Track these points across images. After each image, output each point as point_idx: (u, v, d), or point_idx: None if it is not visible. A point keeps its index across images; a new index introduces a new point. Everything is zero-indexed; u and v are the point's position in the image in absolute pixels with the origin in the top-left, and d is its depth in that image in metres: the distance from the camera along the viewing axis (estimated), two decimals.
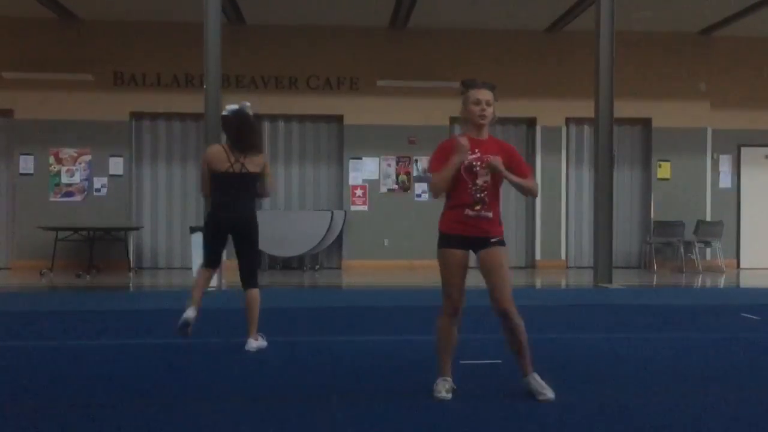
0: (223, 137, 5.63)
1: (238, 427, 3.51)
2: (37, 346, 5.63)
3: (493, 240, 3.92)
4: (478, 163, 3.87)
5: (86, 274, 11.17)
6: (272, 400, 4.01)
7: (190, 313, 5.28)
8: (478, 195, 3.86)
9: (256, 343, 5.34)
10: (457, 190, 3.90)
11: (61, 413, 3.75)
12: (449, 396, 3.92)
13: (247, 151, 5.36)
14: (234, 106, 5.53)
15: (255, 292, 5.44)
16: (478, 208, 3.86)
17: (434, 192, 3.98)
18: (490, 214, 3.89)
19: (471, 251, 3.96)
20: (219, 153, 5.36)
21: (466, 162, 3.86)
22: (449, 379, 4.00)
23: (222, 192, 5.36)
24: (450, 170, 3.84)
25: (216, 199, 5.41)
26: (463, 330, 6.36)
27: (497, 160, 3.85)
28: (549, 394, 3.88)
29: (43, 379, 4.52)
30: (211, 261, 5.55)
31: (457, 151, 3.83)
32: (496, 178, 3.91)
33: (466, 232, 3.89)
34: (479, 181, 3.87)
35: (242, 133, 5.36)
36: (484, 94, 3.92)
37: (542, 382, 3.92)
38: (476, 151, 3.88)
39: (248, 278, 5.45)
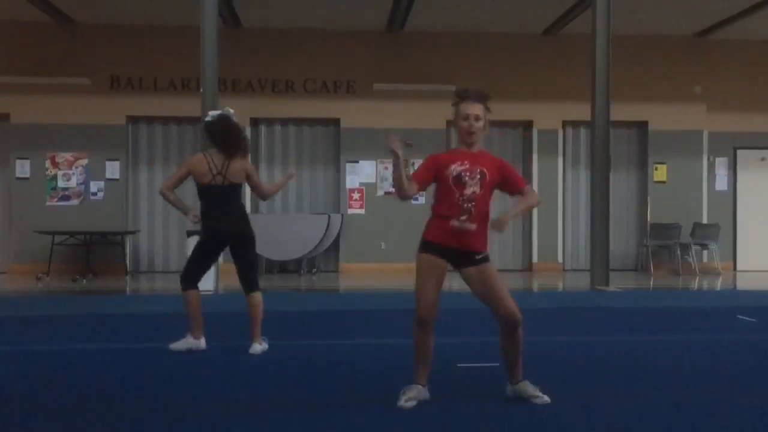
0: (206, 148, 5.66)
1: (236, 431, 3.50)
2: (33, 351, 5.62)
3: (478, 257, 3.87)
4: (467, 174, 3.83)
5: (83, 278, 11.16)
6: (270, 404, 4.00)
7: (202, 344, 5.37)
8: (465, 205, 3.82)
9: (260, 347, 5.35)
10: (444, 200, 3.86)
11: (58, 417, 3.73)
12: (408, 404, 3.81)
13: (233, 155, 5.34)
14: (217, 112, 5.55)
15: (258, 296, 5.45)
16: (464, 218, 3.82)
17: (400, 196, 3.91)
18: (474, 226, 3.82)
19: (451, 266, 3.89)
20: (201, 164, 5.34)
21: (454, 173, 3.83)
22: (420, 387, 3.90)
23: (212, 204, 5.36)
24: (397, 167, 3.76)
25: (208, 211, 5.38)
26: (460, 333, 6.37)
27: (500, 222, 3.77)
28: (545, 397, 3.89)
29: (39, 383, 4.51)
30: (199, 278, 5.50)
31: (388, 148, 3.74)
32: (486, 189, 3.86)
33: (450, 243, 3.84)
34: (467, 192, 3.82)
35: (227, 137, 5.35)
36: (474, 108, 3.86)
37: (535, 387, 3.92)
38: (465, 162, 3.85)
39: (250, 283, 5.45)
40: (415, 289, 3.88)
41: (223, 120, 5.41)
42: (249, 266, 5.48)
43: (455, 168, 3.85)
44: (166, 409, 3.90)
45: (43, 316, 7.45)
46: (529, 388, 3.92)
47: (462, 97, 3.93)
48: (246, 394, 4.26)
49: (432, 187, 4.00)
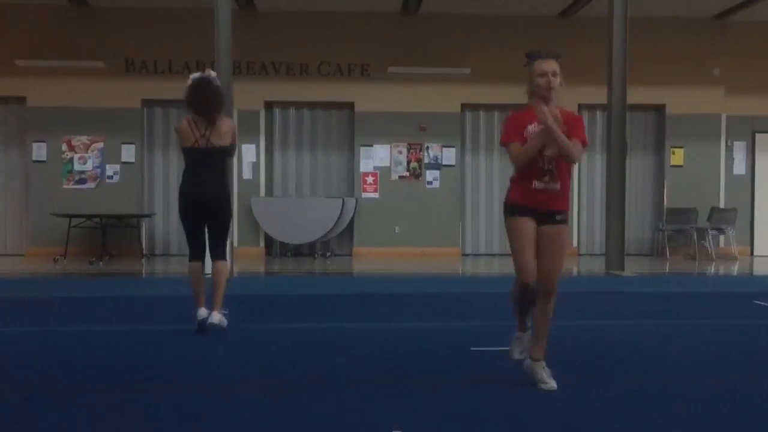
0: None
1: (247, 412, 3.53)
2: (51, 332, 5.68)
3: (558, 217, 3.89)
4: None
5: (99, 260, 11.25)
6: (283, 386, 4.02)
7: (201, 313, 5.32)
8: (546, 167, 3.82)
9: (218, 316, 5.26)
10: (526, 161, 3.86)
11: (74, 398, 3.78)
12: (522, 356, 4.13)
13: (211, 116, 5.28)
14: (197, 74, 5.51)
15: (223, 264, 5.35)
16: (546, 179, 3.83)
17: (518, 165, 3.88)
18: (558, 186, 3.85)
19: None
20: (185, 128, 5.32)
21: (532, 135, 3.82)
22: (526, 334, 4.20)
23: (190, 167, 5.33)
24: (538, 142, 3.77)
25: (185, 174, 5.37)
26: (472, 316, 6.37)
27: (545, 111, 3.75)
28: (553, 384, 3.87)
29: (57, 364, 4.56)
30: (195, 249, 5.46)
31: (544, 121, 3.72)
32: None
33: (533, 204, 3.86)
34: (548, 153, 3.81)
35: (204, 97, 5.30)
36: (550, 65, 3.88)
37: (549, 372, 3.91)
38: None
39: (216, 249, 5.35)
40: (513, 254, 3.90)
41: (201, 81, 5.35)
42: (219, 233, 5.38)
43: (533, 129, 3.85)
44: (180, 389, 3.93)
45: (60, 298, 7.53)
46: (540, 372, 3.91)
47: (534, 57, 3.92)
48: (259, 375, 4.28)
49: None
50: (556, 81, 3.88)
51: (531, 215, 3.87)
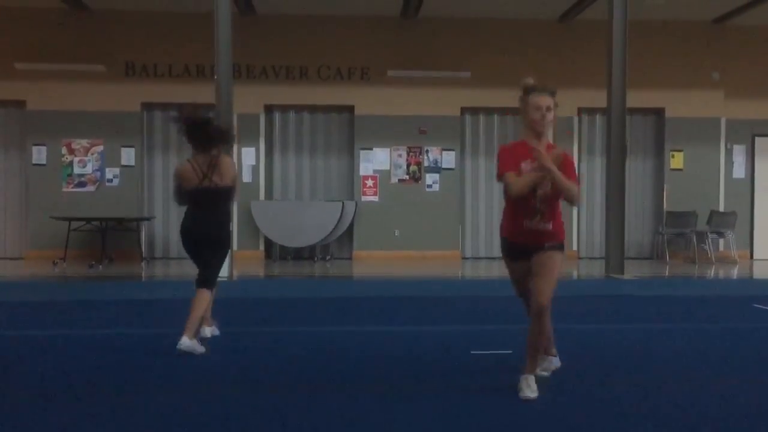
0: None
1: (247, 415, 3.53)
2: (50, 336, 5.68)
3: (547, 245, 3.91)
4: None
5: (99, 264, 11.24)
6: (282, 389, 4.02)
7: (205, 332, 5.34)
8: (537, 206, 3.85)
9: (187, 341, 4.91)
10: (515, 203, 3.90)
11: (74, 401, 3.77)
12: (545, 374, 4.12)
13: (213, 149, 5.25)
14: (206, 114, 5.48)
15: (206, 293, 5.20)
16: (537, 219, 3.87)
17: (513, 194, 3.88)
18: (549, 226, 3.89)
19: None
20: (188, 171, 5.28)
21: (524, 173, 3.84)
22: (551, 357, 4.18)
23: (194, 206, 5.30)
24: (535, 177, 3.79)
25: (188, 210, 5.34)
26: (474, 320, 6.37)
27: (542, 152, 3.77)
28: (531, 394, 3.80)
29: (55, 367, 4.56)
30: (199, 277, 5.34)
31: (542, 161, 3.76)
32: (557, 188, 3.85)
33: (525, 242, 3.93)
34: (539, 192, 3.85)
35: (196, 136, 5.24)
36: (545, 100, 3.90)
37: (533, 385, 3.84)
38: (534, 162, 3.83)
39: (203, 279, 5.24)
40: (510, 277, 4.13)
41: (200, 122, 5.32)
42: (209, 266, 5.30)
43: (525, 167, 3.86)
44: (181, 392, 3.93)
45: (60, 302, 7.52)
46: (521, 384, 3.84)
47: (531, 91, 3.95)
48: (259, 379, 4.28)
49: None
50: (550, 116, 3.91)
51: (522, 252, 3.94)
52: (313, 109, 13.33)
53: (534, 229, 3.87)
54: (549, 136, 4.04)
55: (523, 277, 4.00)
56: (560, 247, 3.97)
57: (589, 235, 13.68)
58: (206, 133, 5.28)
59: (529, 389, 3.81)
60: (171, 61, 12.84)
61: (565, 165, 3.91)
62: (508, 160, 3.91)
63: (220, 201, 5.33)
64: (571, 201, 3.91)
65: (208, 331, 5.47)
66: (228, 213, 5.50)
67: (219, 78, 9.71)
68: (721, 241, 13.27)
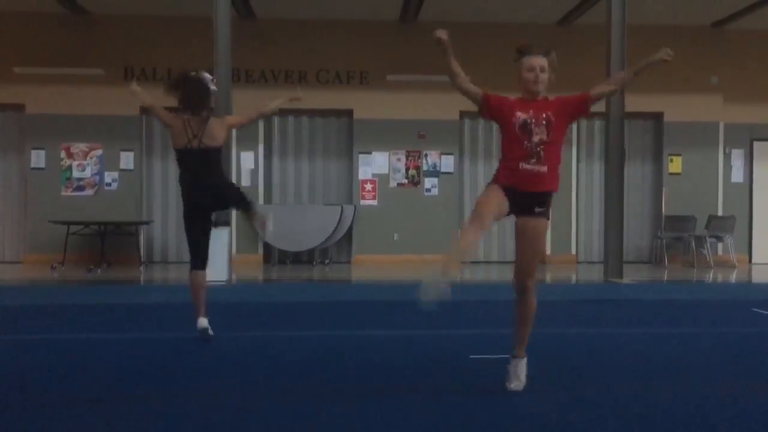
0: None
1: (245, 420, 3.52)
2: (48, 340, 5.67)
3: (538, 210, 3.86)
4: (533, 121, 3.82)
5: (97, 268, 11.23)
6: (281, 394, 4.01)
7: (202, 322, 5.32)
8: (534, 149, 3.81)
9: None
10: (512, 148, 3.85)
11: (71, 407, 3.76)
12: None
13: (199, 113, 5.25)
14: (192, 73, 5.43)
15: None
16: (533, 161, 3.81)
17: (451, 80, 4.17)
18: (545, 168, 3.82)
19: (512, 212, 3.87)
20: (179, 126, 5.27)
21: (520, 120, 3.82)
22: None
23: (187, 169, 5.29)
24: (445, 54, 4.16)
25: (184, 177, 5.33)
26: (473, 325, 6.37)
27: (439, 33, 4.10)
28: (519, 385, 3.86)
29: (54, 372, 4.55)
30: (198, 259, 5.43)
31: (435, 36, 4.12)
32: (556, 134, 3.84)
33: (519, 186, 3.82)
34: (534, 139, 3.81)
35: (199, 96, 5.26)
36: (538, 60, 3.87)
37: (523, 371, 3.89)
38: (530, 110, 3.84)
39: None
40: (474, 206, 3.87)
41: (192, 81, 5.33)
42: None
43: (520, 116, 3.84)
44: (178, 397, 3.92)
45: (58, 306, 7.51)
46: (514, 369, 3.90)
47: (523, 52, 3.92)
48: (256, 383, 4.27)
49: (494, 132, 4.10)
50: (544, 76, 3.88)
51: (511, 195, 3.82)
52: (312, 113, 13.33)
53: (531, 170, 3.81)
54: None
55: (496, 207, 3.79)
56: (547, 214, 3.92)
57: (588, 239, 13.68)
58: (191, 91, 5.25)
59: (517, 379, 3.83)
60: (170, 65, 12.80)
61: (563, 102, 3.94)
62: (498, 96, 3.94)
63: (211, 162, 5.29)
64: (615, 85, 4.32)
65: (206, 322, 5.42)
66: (222, 169, 5.51)
67: (218, 82, 9.66)
68: (720, 246, 13.28)
